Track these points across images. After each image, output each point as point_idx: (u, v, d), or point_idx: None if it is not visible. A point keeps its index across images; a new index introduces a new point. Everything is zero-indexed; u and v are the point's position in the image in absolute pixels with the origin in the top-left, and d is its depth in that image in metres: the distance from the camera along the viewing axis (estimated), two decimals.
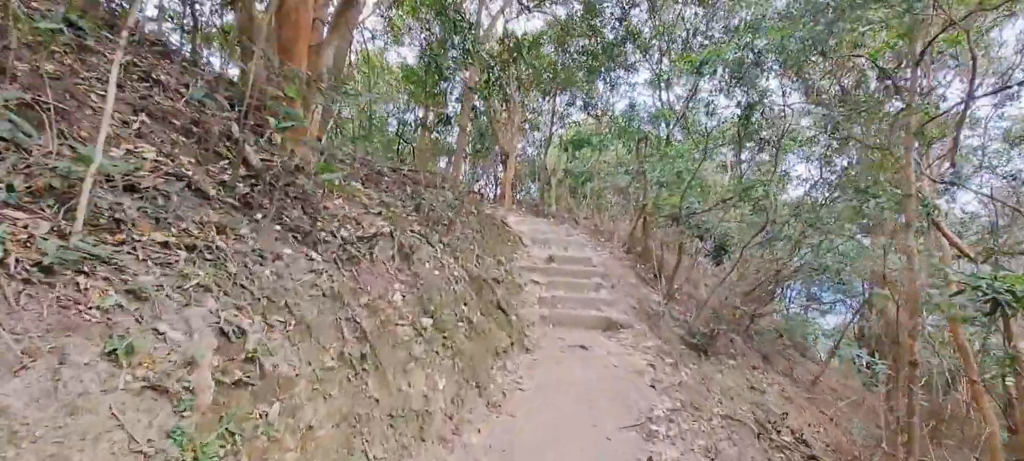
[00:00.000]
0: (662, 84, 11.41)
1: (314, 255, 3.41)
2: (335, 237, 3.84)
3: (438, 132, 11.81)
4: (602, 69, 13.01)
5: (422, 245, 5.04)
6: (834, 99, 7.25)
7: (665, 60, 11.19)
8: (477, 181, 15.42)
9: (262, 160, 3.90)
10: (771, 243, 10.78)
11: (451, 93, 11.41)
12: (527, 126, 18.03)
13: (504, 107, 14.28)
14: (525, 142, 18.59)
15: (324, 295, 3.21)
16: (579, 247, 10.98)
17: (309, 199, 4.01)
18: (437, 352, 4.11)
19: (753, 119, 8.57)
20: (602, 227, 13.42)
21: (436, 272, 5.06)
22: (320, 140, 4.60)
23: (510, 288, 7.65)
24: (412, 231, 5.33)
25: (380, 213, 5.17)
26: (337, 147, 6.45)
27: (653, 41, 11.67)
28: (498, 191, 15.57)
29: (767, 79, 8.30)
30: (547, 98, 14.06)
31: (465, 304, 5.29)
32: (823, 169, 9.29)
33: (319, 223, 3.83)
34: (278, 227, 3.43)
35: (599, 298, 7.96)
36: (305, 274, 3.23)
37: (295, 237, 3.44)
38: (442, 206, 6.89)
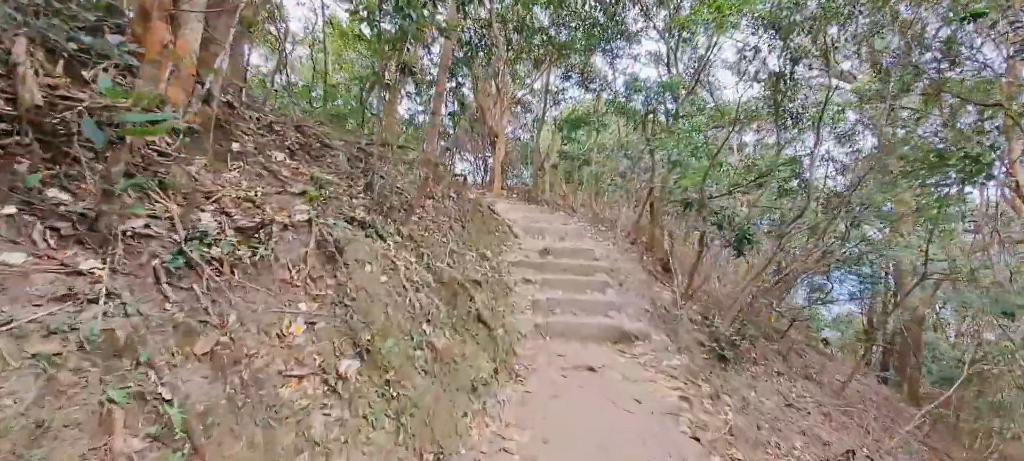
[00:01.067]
0: (671, 46, 9.74)
1: (93, 265, 1.76)
2: (166, 233, 2.17)
3: (412, 98, 10.14)
4: (600, 39, 11.30)
5: (358, 239, 3.37)
6: (913, 45, 5.69)
7: (678, 11, 9.48)
8: (454, 156, 13.69)
9: (58, 96, 2.21)
10: (808, 230, 9.24)
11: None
12: (518, 108, 16.32)
13: (492, 82, 12.56)
14: (516, 125, 16.87)
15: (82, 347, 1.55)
16: (578, 237, 9.36)
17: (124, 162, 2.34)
18: (366, 416, 2.47)
19: (788, 85, 6.95)
20: (602, 215, 11.81)
21: (382, 278, 3.41)
22: (199, 80, 2.89)
23: (496, 291, 6.02)
24: (350, 219, 3.67)
25: (304, 193, 3.50)
26: (250, 102, 4.74)
27: None
28: (487, 176, 13.91)
29: (806, 35, 6.67)
30: (539, 70, 12.33)
31: (427, 322, 3.66)
32: (881, 138, 7.71)
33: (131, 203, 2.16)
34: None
35: (606, 301, 6.35)
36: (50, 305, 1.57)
37: (53, 230, 1.79)
38: (408, 186, 5.23)
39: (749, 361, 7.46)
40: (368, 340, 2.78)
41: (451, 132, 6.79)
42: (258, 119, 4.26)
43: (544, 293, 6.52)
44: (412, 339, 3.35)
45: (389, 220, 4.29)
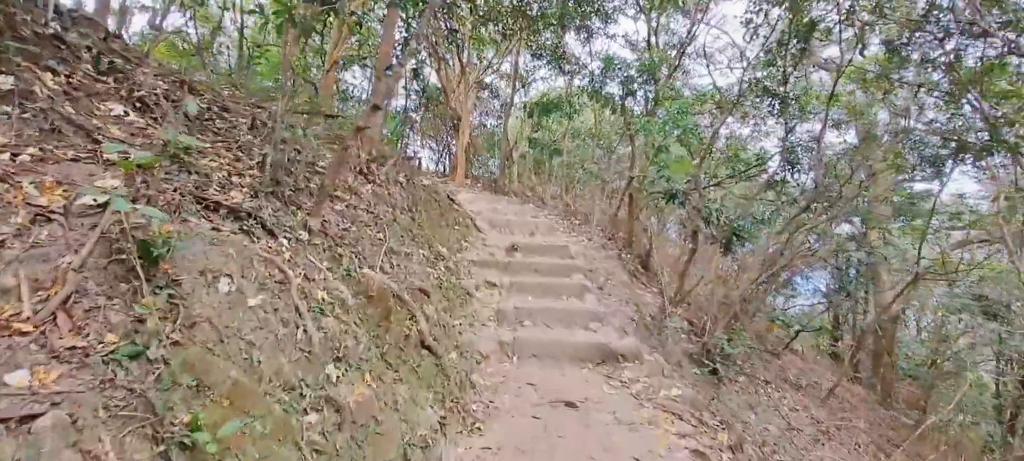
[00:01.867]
0: (652, 24, 8.68)
1: None
2: None
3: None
4: (575, 14, 10.12)
5: (215, 237, 2.05)
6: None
7: None
8: (409, 134, 12.27)
9: None
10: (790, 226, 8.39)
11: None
12: (486, 93, 14.99)
13: (455, 57, 11.18)
14: (482, 111, 15.52)
15: None
16: (549, 232, 8.20)
17: None
18: None
19: (795, 58, 5.97)
20: (574, 208, 10.70)
21: (254, 300, 2.10)
22: None
23: (452, 299, 4.77)
24: (211, 205, 2.33)
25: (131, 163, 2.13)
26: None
27: None
28: (450, 164, 12.57)
29: None
30: (508, 43, 11.03)
31: (336, 361, 2.37)
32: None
33: None
34: None
35: (586, 309, 5.20)
36: None
37: None
38: (331, 165, 3.89)
39: (735, 369, 6.53)
40: (186, 425, 1.48)
41: (396, 66, 5.38)
42: (95, 55, 2.82)
43: (511, 300, 5.31)
44: (302, 396, 2.07)
45: (291, 209, 2.95)
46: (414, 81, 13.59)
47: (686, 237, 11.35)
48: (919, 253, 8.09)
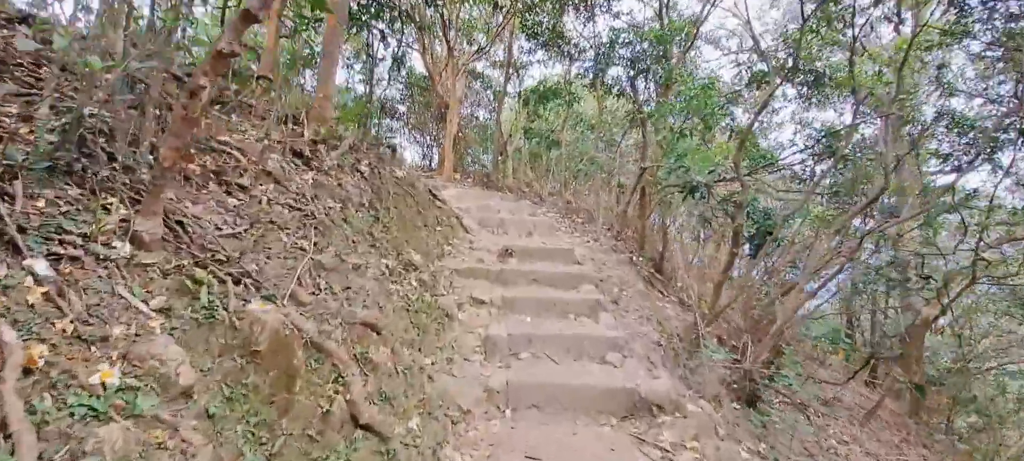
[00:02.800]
0: None
1: None
2: None
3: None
4: None
5: None
6: None
7: None
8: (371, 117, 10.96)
9: None
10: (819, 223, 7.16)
11: None
12: (478, 84, 13.67)
13: (442, 36, 9.86)
14: (474, 102, 14.17)
15: None
16: (549, 232, 6.92)
17: None
18: None
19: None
20: (576, 204, 9.40)
21: None
22: None
23: (424, 325, 3.47)
24: None
25: None
26: None
27: None
28: (438, 158, 11.23)
29: None
30: (498, 26, 9.71)
31: None
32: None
33: None
34: None
35: (600, 335, 3.90)
36: None
37: None
38: (171, 131, 2.58)
39: (780, 398, 5.29)
40: None
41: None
42: None
43: (504, 322, 4.01)
44: None
45: (103, 203, 1.64)
46: (398, 70, 12.28)
47: (702, 236, 10.09)
48: (976, 252, 6.85)
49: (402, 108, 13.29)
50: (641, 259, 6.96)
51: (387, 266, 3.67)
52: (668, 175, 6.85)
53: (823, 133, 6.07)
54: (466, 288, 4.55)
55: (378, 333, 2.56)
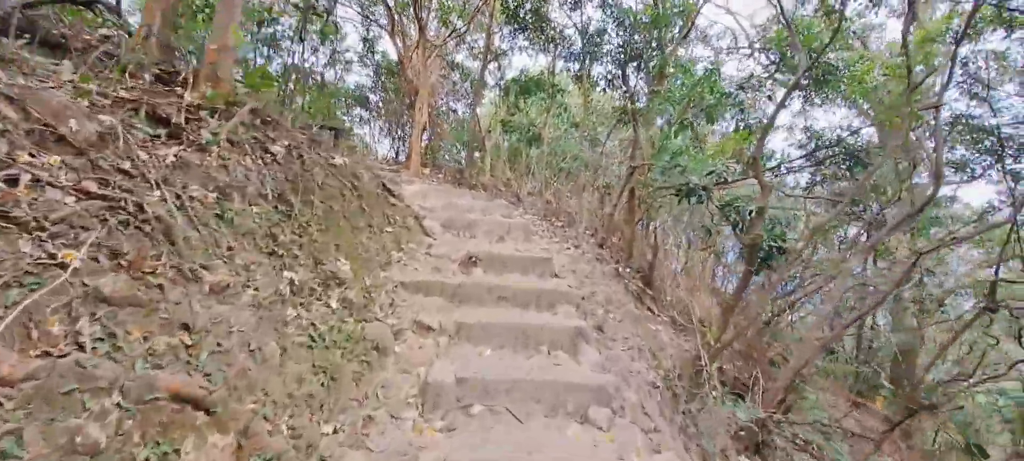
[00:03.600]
0: None
1: None
2: None
3: None
4: None
5: None
6: None
7: None
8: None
9: None
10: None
11: None
12: (456, 74, 12.58)
13: (412, 11, 8.75)
14: (451, 94, 13.06)
15: None
16: (525, 236, 5.90)
17: None
18: None
19: None
20: (557, 206, 8.41)
21: None
22: None
23: (337, 366, 2.40)
24: None
25: None
26: None
27: None
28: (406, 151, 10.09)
29: None
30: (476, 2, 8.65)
31: None
32: None
33: None
34: None
35: (584, 377, 2.89)
36: None
37: None
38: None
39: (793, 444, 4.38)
40: None
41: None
42: None
43: (455, 359, 2.97)
44: None
45: None
46: (366, 54, 11.13)
47: (690, 243, 9.21)
48: (995, 275, 6.06)
49: (372, 97, 12.12)
50: (629, 270, 6.00)
51: (291, 282, 2.60)
52: (662, 175, 5.91)
53: (840, 135, 5.19)
54: (412, 308, 3.50)
55: (207, 412, 1.49)
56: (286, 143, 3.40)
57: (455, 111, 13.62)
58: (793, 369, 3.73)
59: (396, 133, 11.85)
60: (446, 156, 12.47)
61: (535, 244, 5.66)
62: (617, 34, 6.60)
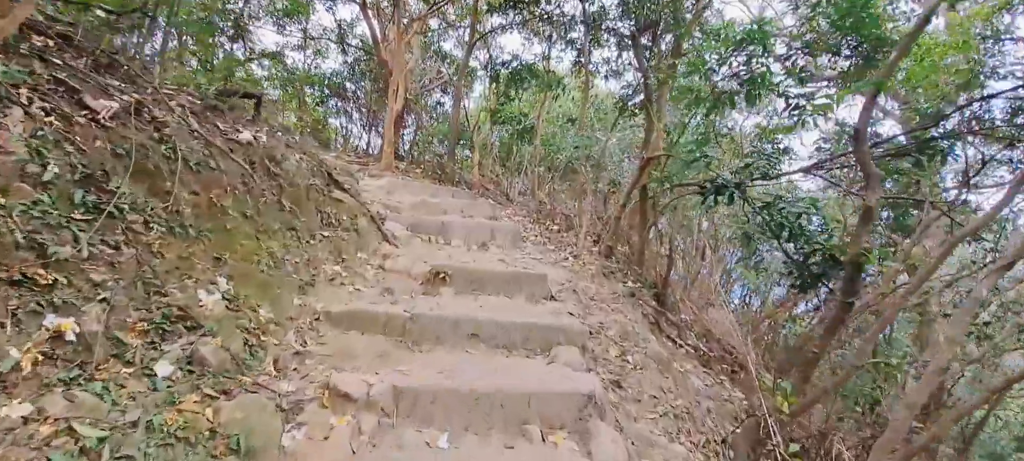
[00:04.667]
0: None
1: None
2: None
3: None
4: None
5: None
6: None
7: None
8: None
9: None
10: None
11: None
12: (446, 65, 11.29)
13: None
14: (435, 83, 11.74)
15: None
16: (513, 243, 4.66)
17: None
18: None
19: None
20: (552, 207, 7.16)
21: None
22: None
23: None
24: None
25: None
26: None
27: None
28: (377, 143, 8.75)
29: None
30: None
31: None
32: None
33: None
34: None
35: None
36: None
37: None
38: None
39: None
40: None
41: None
42: None
43: (382, 448, 1.70)
44: None
45: None
46: (343, 36, 9.84)
47: (697, 248, 7.96)
48: None
49: (351, 86, 10.78)
50: (636, 285, 4.75)
51: (55, 336, 1.31)
52: (685, 169, 4.69)
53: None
54: (332, 358, 2.23)
55: None
56: (134, 98, 2.12)
57: (442, 105, 12.31)
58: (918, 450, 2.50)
59: (375, 126, 10.54)
60: (434, 153, 11.14)
61: (525, 254, 4.41)
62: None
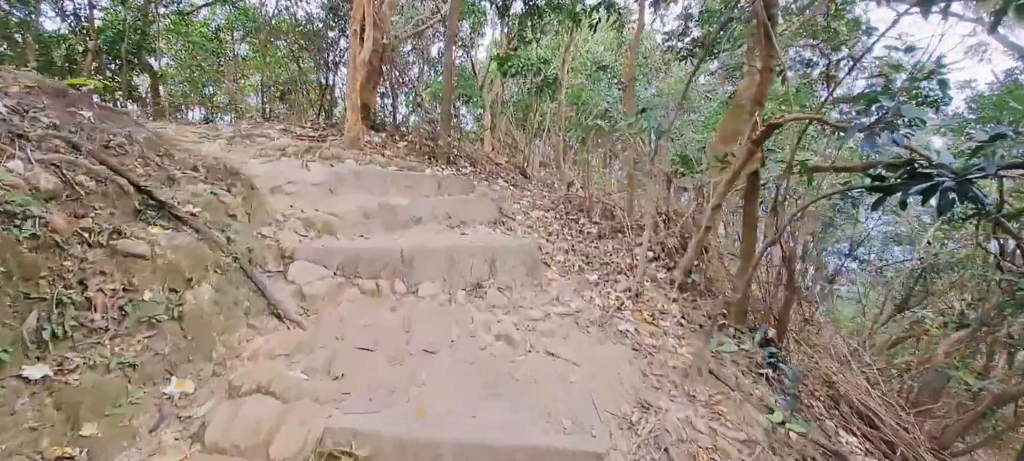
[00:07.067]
0: None
1: None
2: None
3: None
4: None
5: None
6: None
7: None
8: None
9: None
10: None
11: None
12: (440, 26, 8.70)
13: None
14: (427, 23, 9.18)
15: None
16: (522, 280, 2.50)
17: None
18: None
19: None
20: (586, 194, 4.86)
21: None
22: None
23: None
24: None
25: None
26: None
27: None
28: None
29: None
30: None
31: None
32: None
33: None
34: None
35: None
36: None
37: None
38: None
39: None
40: None
41: None
42: None
43: None
44: None
45: None
46: None
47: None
48: None
49: (332, 34, 8.42)
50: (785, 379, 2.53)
51: None
52: (851, 137, 2.33)
53: None
54: None
55: None
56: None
57: (440, 64, 9.77)
58: None
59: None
60: (429, 119, 8.78)
61: (548, 306, 2.27)
62: None
